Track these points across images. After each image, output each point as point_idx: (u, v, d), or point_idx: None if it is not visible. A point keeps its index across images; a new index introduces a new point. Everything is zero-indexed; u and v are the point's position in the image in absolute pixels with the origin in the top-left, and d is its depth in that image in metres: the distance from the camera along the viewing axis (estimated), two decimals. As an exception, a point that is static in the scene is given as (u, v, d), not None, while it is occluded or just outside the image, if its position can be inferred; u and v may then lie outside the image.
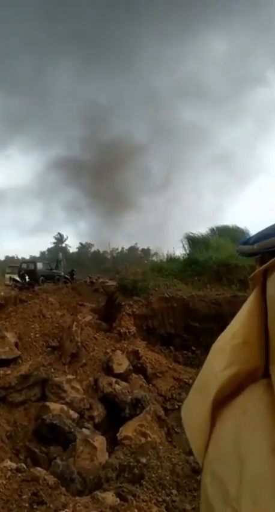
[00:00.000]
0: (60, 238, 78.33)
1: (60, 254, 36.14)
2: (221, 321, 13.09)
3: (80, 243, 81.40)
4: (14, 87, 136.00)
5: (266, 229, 1.24)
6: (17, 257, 61.00)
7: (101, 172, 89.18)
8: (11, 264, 37.60)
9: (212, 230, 25.39)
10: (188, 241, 22.98)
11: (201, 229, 24.83)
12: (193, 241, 22.81)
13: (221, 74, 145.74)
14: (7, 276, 30.18)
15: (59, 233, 78.10)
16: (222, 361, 0.96)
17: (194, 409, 1.01)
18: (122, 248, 78.34)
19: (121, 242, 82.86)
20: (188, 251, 22.00)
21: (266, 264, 1.03)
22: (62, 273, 31.77)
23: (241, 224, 27.25)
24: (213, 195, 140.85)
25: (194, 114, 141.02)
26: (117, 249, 77.29)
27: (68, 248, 79.39)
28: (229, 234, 23.72)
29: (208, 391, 0.95)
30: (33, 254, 63.04)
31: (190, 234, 23.57)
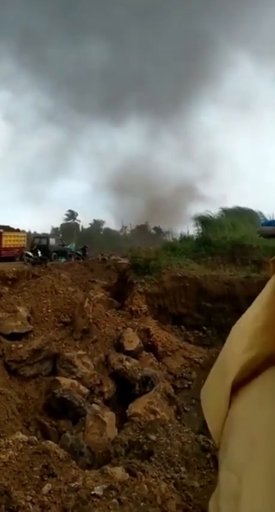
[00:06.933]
0: (71, 215, 78.76)
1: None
2: (233, 301, 13.07)
3: (94, 220, 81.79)
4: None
5: None
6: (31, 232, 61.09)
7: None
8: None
9: (224, 211, 25.18)
10: (200, 222, 22.77)
11: (212, 210, 24.60)
12: (204, 221, 22.61)
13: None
14: None
15: (70, 210, 78.51)
16: (242, 344, 0.93)
17: (213, 392, 0.98)
18: (136, 226, 78.51)
19: (133, 220, 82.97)
20: (201, 231, 21.84)
21: None
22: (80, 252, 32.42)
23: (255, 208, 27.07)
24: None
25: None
26: (126, 227, 77.56)
27: (80, 225, 79.96)
28: (242, 216, 23.52)
29: (227, 374, 0.93)
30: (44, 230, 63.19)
31: (201, 215, 23.37)
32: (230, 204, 27.57)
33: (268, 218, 23.31)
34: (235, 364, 0.92)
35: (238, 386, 0.92)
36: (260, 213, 25.71)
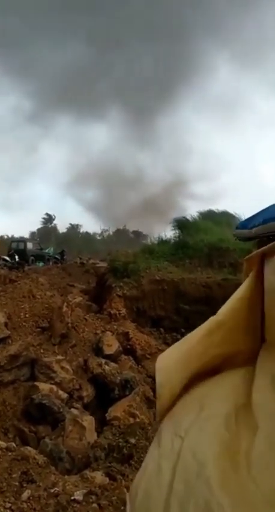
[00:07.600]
0: (48, 218, 78.22)
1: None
2: (211, 304, 13.17)
3: (70, 224, 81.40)
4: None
5: (263, 212, 1.20)
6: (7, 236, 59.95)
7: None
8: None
9: (201, 214, 25.47)
10: (178, 225, 22.95)
11: (190, 212, 24.93)
12: (182, 224, 22.80)
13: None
14: None
15: (47, 213, 77.98)
16: (211, 340, 0.98)
17: (173, 373, 1.02)
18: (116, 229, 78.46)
19: (111, 223, 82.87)
20: (178, 234, 22.01)
21: (265, 248, 1.00)
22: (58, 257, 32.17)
23: (232, 210, 27.46)
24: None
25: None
26: (107, 230, 77.49)
27: (58, 228, 79.43)
28: (218, 218, 23.84)
29: (193, 362, 0.97)
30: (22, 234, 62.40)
31: (179, 218, 23.59)
32: (219, 204, 28.12)
33: (241, 219, 23.61)
34: (202, 356, 0.96)
35: (197, 377, 0.97)
36: (236, 213, 26.09)
